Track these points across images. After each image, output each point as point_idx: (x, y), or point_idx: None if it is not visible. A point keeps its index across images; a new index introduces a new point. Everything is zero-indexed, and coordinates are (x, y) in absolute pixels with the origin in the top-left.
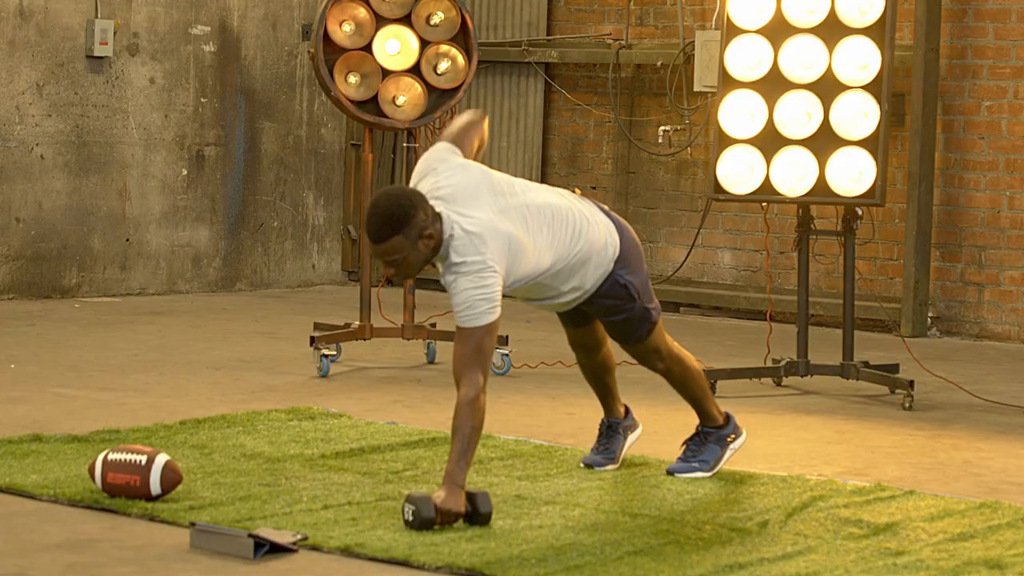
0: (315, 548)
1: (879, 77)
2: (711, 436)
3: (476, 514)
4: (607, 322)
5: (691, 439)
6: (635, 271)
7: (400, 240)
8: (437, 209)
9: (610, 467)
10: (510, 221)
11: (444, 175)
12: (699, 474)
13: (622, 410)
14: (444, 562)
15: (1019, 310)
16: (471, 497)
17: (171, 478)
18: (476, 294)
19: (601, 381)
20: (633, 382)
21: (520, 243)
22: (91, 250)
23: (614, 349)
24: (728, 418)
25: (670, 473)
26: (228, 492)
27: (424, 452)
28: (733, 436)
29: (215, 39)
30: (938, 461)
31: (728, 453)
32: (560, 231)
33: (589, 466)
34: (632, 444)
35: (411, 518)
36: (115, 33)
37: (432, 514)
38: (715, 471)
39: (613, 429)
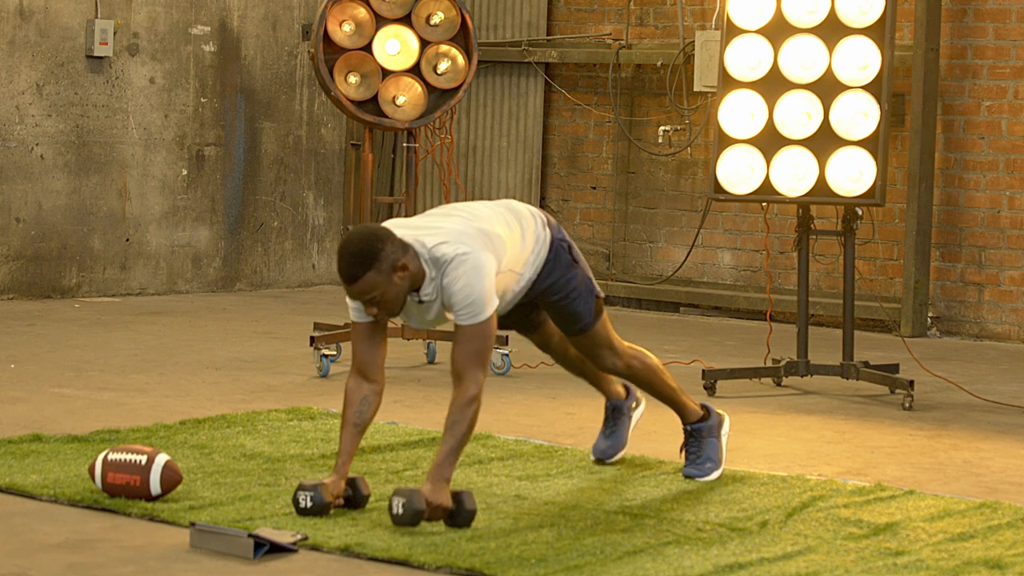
0: (315, 548)
1: (879, 77)
2: (703, 431)
3: (460, 511)
4: (553, 305)
5: (687, 443)
6: (565, 235)
7: (373, 276)
8: (404, 239)
9: (619, 455)
10: (467, 223)
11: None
12: (715, 474)
13: (622, 390)
14: (444, 562)
15: (1019, 310)
16: (455, 496)
17: (171, 478)
18: (475, 289)
19: (586, 369)
20: None
21: (489, 232)
22: (91, 250)
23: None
24: (707, 408)
25: (689, 477)
26: (228, 492)
27: (424, 452)
28: (719, 423)
29: (215, 39)
30: (938, 461)
31: (724, 440)
32: (510, 220)
33: (600, 460)
34: (637, 421)
35: (400, 511)
36: (115, 33)
37: (422, 506)
38: (723, 463)
39: (619, 411)
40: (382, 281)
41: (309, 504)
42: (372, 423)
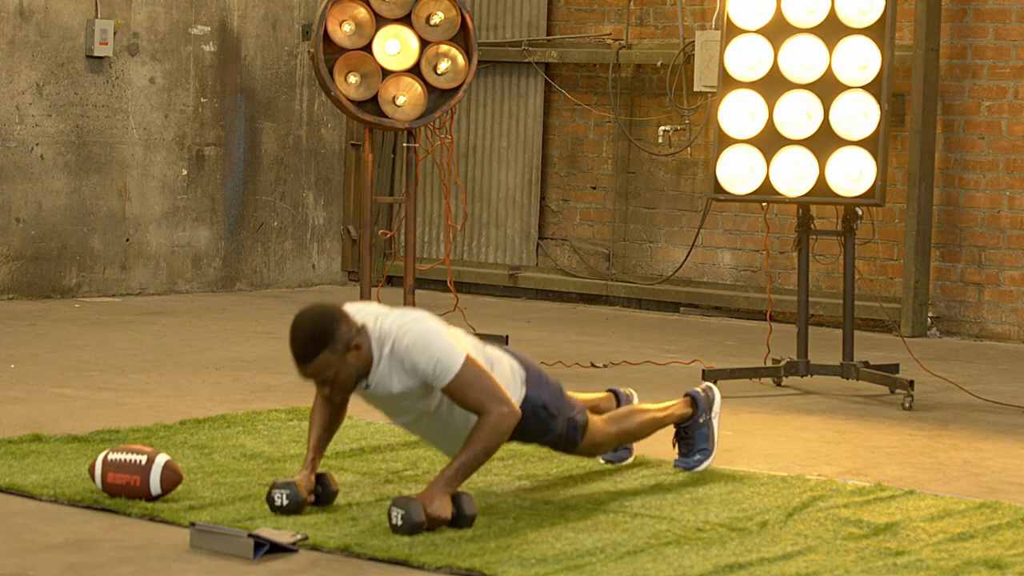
0: (315, 548)
1: (879, 77)
2: (691, 428)
3: (460, 516)
4: (540, 443)
5: (677, 436)
6: (545, 388)
7: (327, 356)
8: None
9: (629, 459)
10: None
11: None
12: (706, 463)
13: (613, 403)
14: (444, 562)
15: (1019, 310)
16: (455, 499)
17: (171, 478)
18: (434, 348)
19: None
20: (629, 382)
21: (445, 327)
22: (91, 250)
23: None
24: (695, 403)
25: (679, 468)
26: (228, 492)
27: (424, 452)
28: (708, 411)
29: (215, 39)
30: (938, 461)
31: (715, 424)
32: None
33: (610, 462)
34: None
35: (400, 523)
36: (115, 33)
37: (421, 518)
38: (715, 446)
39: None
40: (336, 361)
41: (285, 502)
42: (371, 423)
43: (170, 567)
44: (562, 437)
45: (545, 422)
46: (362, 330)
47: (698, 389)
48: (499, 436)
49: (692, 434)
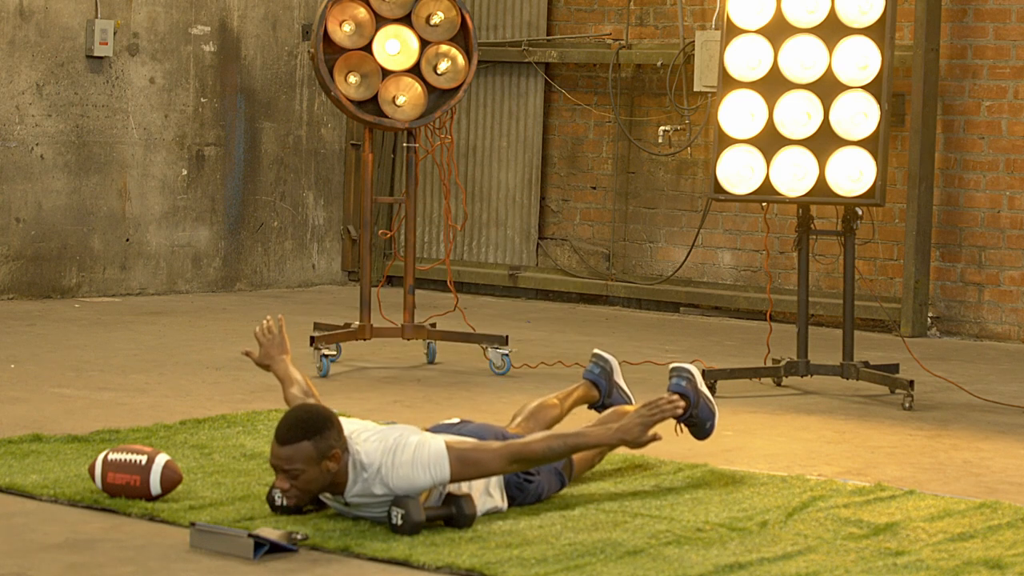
0: (315, 548)
1: (879, 77)
2: (691, 415)
3: (460, 515)
4: (539, 501)
5: (684, 423)
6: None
7: (308, 447)
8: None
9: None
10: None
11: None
12: (715, 423)
13: (595, 393)
14: (444, 562)
15: (1019, 310)
16: (455, 499)
17: (171, 478)
18: (417, 463)
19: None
20: (629, 382)
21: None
22: (91, 250)
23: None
24: (683, 396)
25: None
26: (228, 492)
27: None
28: (693, 386)
29: (215, 39)
30: (938, 461)
31: (704, 388)
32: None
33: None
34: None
35: (400, 523)
36: (115, 33)
37: (421, 517)
38: (715, 406)
39: (605, 406)
40: (312, 458)
41: (285, 502)
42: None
43: (170, 567)
44: (552, 487)
45: (528, 487)
46: (347, 452)
47: (680, 381)
48: (538, 447)
49: (694, 416)
